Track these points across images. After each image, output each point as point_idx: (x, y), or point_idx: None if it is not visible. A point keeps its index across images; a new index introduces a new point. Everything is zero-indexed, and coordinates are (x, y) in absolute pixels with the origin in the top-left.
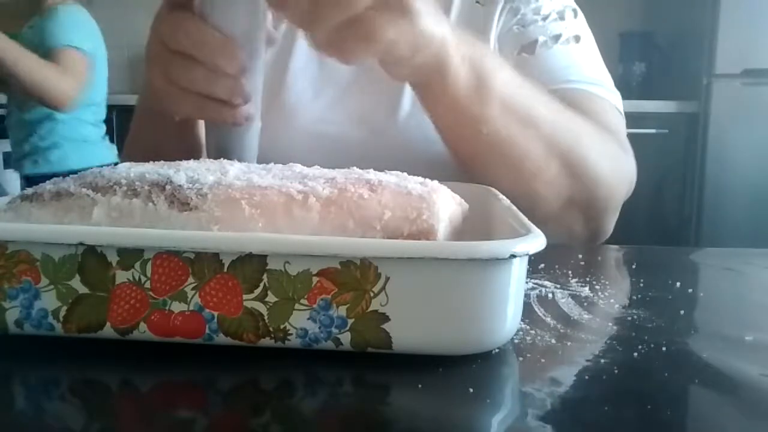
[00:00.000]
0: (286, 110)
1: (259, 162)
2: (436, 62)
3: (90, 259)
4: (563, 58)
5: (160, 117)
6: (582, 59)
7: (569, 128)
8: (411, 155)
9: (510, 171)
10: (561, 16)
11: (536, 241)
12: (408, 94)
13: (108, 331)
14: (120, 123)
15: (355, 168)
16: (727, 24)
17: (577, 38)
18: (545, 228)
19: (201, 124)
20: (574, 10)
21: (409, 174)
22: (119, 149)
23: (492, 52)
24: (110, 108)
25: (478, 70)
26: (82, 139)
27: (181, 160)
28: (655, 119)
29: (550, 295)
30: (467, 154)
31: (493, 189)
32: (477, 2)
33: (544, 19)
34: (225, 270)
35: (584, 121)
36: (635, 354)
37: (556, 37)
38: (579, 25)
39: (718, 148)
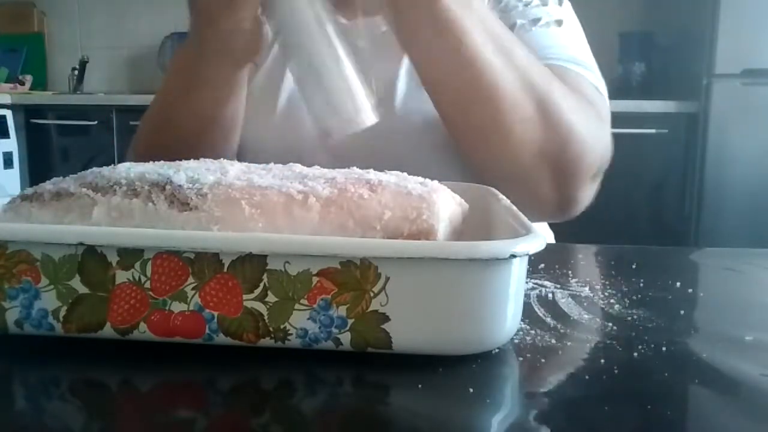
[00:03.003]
0: (290, 103)
1: (269, 157)
2: None
3: (90, 259)
4: (542, 39)
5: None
6: (563, 41)
7: (544, 72)
8: (410, 140)
9: (487, 100)
10: (544, 3)
11: (536, 241)
12: (403, 77)
13: (108, 331)
14: (120, 123)
15: (355, 168)
16: (727, 24)
17: (559, 22)
18: (511, 187)
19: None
20: None
21: (408, 158)
22: (119, 149)
23: None
24: (110, 108)
25: None
26: None
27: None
28: (655, 119)
29: (550, 295)
30: (443, 81)
31: (493, 189)
32: None
33: (527, 5)
34: (225, 270)
35: (559, 80)
36: (635, 354)
37: (535, 21)
38: (563, 11)
39: (718, 148)
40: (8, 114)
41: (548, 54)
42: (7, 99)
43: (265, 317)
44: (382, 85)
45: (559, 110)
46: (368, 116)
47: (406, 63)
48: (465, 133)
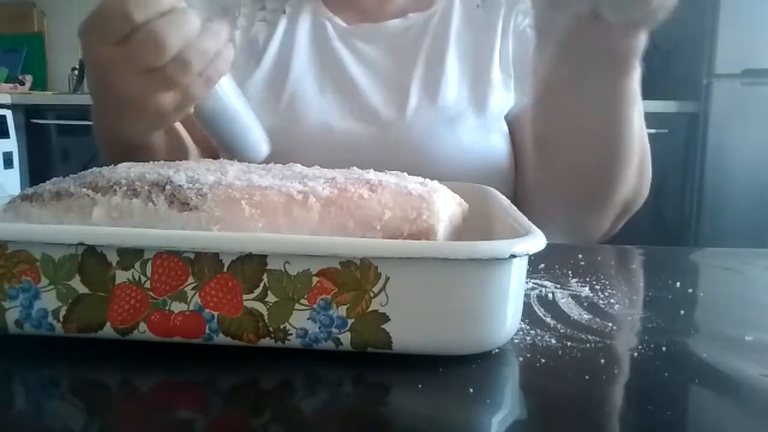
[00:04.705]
0: (293, 106)
1: (269, 158)
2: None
3: (90, 259)
4: None
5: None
6: None
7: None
8: (420, 150)
9: (613, 155)
10: None
11: (536, 241)
12: (416, 87)
13: (108, 331)
14: None
15: (355, 168)
16: (727, 24)
17: None
18: (570, 218)
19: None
20: None
21: (418, 167)
22: None
23: None
24: None
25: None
26: None
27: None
28: (655, 119)
29: (550, 295)
30: (578, 130)
31: (493, 189)
32: (477, 6)
33: None
34: (225, 270)
35: None
36: (635, 354)
37: None
38: None
39: (718, 148)
40: (8, 114)
41: None
42: (7, 99)
43: (265, 317)
44: (394, 92)
45: (648, 163)
46: (266, 147)
47: (418, 75)
48: (565, 171)
